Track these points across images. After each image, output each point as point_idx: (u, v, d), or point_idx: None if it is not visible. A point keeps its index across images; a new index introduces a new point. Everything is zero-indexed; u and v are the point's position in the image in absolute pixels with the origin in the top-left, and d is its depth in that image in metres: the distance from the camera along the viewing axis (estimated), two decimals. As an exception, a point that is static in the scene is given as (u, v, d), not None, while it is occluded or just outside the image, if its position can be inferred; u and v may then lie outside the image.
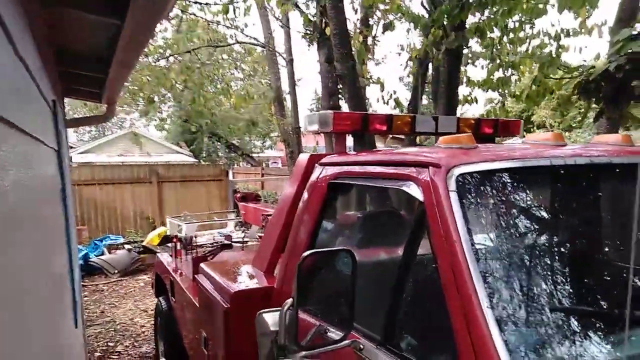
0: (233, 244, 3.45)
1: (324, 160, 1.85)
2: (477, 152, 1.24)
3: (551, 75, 5.03)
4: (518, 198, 1.17)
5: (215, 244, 3.42)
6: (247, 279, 2.07)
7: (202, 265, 2.37)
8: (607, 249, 1.12)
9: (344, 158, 1.74)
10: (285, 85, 9.48)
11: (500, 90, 6.27)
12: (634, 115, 4.15)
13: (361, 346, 1.26)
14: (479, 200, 1.13)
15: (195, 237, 3.32)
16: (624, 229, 1.22)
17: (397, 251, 1.29)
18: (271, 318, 1.18)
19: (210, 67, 9.10)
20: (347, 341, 1.22)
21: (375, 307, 1.34)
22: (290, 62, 9.08)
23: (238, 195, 4.93)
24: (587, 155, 1.26)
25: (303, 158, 1.99)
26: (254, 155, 17.53)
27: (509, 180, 1.16)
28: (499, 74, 5.97)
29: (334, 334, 1.26)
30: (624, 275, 1.10)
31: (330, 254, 1.27)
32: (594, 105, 3.84)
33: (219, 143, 15.95)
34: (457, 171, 1.14)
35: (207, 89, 9.93)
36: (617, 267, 1.17)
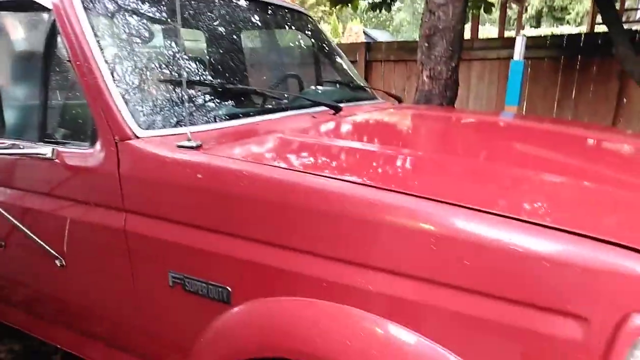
0: None
1: None
2: None
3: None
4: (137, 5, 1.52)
5: None
6: None
7: None
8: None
9: None
10: None
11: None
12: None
13: (21, 146, 1.46)
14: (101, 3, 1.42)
15: None
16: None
17: (39, 60, 1.49)
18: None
19: None
20: (7, 143, 1.41)
21: (30, 115, 1.54)
22: None
23: None
24: None
25: None
26: None
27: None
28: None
29: None
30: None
31: None
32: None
33: None
34: None
35: None
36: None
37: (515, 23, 8.06)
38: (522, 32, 4.95)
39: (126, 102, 1.34)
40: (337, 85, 2.30)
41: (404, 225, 0.95)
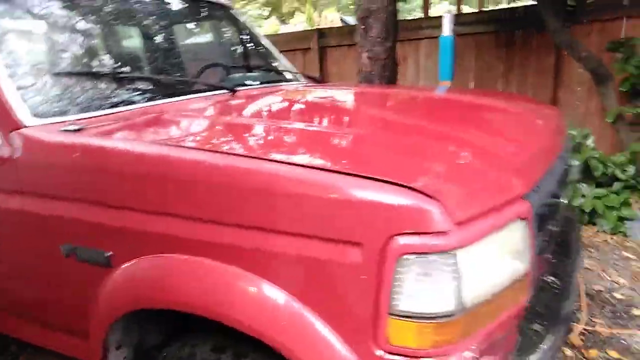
0: None
1: None
2: None
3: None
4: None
5: None
6: None
7: None
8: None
9: None
10: None
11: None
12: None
13: None
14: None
15: None
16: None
17: None
18: None
19: None
20: None
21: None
22: None
23: None
24: None
25: None
26: None
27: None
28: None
29: None
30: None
31: None
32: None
33: None
34: None
35: None
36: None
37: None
38: (450, 8, 5.10)
39: (16, 94, 1.49)
40: (268, 71, 2.45)
41: (243, 184, 1.11)
